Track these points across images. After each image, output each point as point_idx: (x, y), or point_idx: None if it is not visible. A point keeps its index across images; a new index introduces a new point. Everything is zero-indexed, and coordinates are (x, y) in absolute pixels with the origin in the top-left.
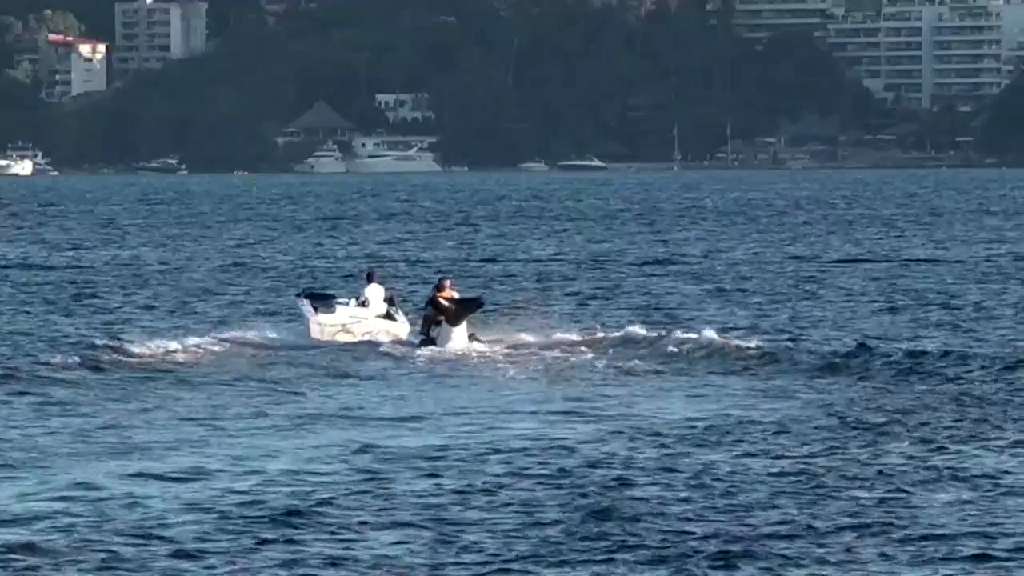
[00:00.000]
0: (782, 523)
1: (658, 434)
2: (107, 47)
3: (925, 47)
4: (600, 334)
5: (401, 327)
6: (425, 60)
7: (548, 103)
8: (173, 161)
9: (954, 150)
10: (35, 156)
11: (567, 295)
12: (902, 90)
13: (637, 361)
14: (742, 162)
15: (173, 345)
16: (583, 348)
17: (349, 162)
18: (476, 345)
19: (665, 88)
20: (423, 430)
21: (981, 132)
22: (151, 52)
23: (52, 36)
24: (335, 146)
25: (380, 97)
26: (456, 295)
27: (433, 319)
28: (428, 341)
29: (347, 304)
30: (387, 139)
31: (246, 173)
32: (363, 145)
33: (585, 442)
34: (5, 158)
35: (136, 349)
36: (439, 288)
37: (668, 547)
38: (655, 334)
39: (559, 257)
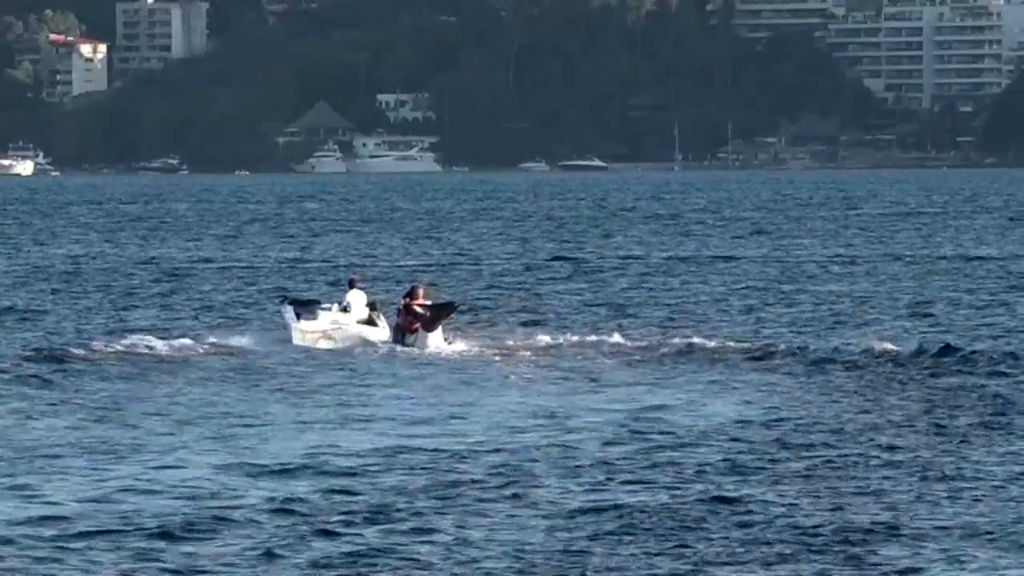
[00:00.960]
0: (780, 527)
1: (643, 433)
2: (108, 47)
3: (926, 47)
4: (580, 335)
5: (382, 332)
6: (426, 60)
7: (548, 103)
8: (174, 161)
9: (955, 150)
10: (36, 156)
11: (559, 294)
12: (903, 90)
13: (616, 360)
14: (743, 162)
15: (158, 347)
16: (563, 350)
17: (350, 162)
18: (453, 349)
19: (665, 88)
20: (407, 433)
21: (982, 132)
22: (152, 52)
23: (53, 36)
24: (335, 146)
25: (381, 97)
26: (429, 301)
27: (408, 327)
28: (405, 347)
29: (329, 310)
30: (388, 139)
31: (248, 173)
32: (364, 145)
33: (565, 443)
34: (8, 158)
35: (113, 349)
36: (412, 295)
37: (660, 549)
38: (637, 335)
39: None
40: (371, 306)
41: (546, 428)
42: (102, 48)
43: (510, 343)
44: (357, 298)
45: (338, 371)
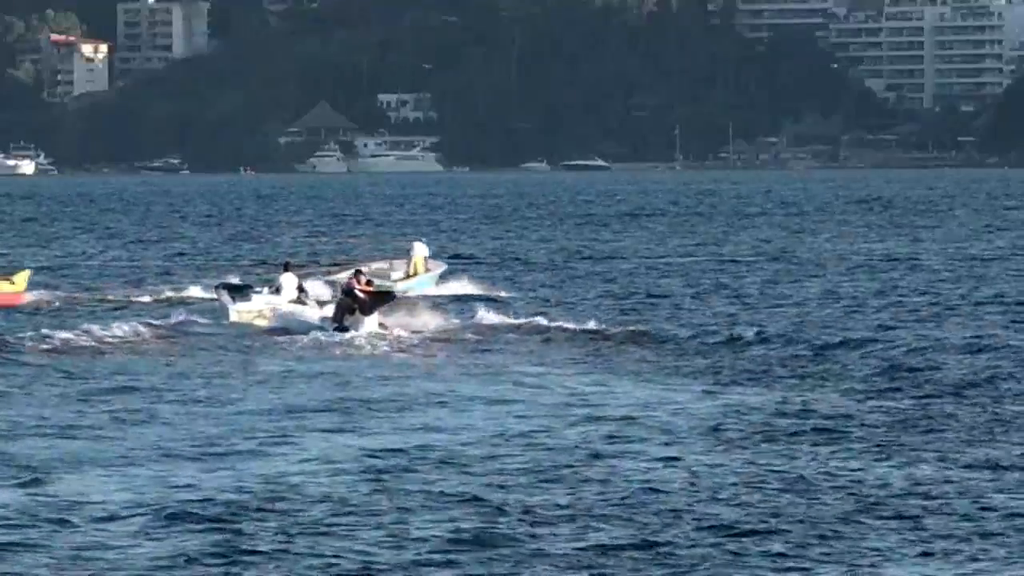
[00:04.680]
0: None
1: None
2: (109, 47)
3: (927, 47)
4: (507, 319)
5: (312, 312)
6: (427, 60)
7: (550, 103)
8: (175, 161)
9: (956, 150)
10: (37, 156)
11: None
12: (904, 90)
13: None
14: (744, 162)
15: (97, 332)
16: (491, 337)
17: (351, 162)
18: (388, 332)
19: (667, 88)
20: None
21: (983, 132)
22: (153, 52)
23: (54, 36)
24: (336, 146)
25: (382, 97)
26: (370, 287)
27: (348, 308)
28: (342, 328)
29: (261, 292)
30: (389, 139)
31: (253, 173)
32: (365, 145)
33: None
34: (13, 158)
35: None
36: (355, 278)
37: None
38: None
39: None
40: (300, 288)
41: (467, 415)
42: (103, 48)
43: (442, 328)
44: (289, 281)
45: (280, 355)
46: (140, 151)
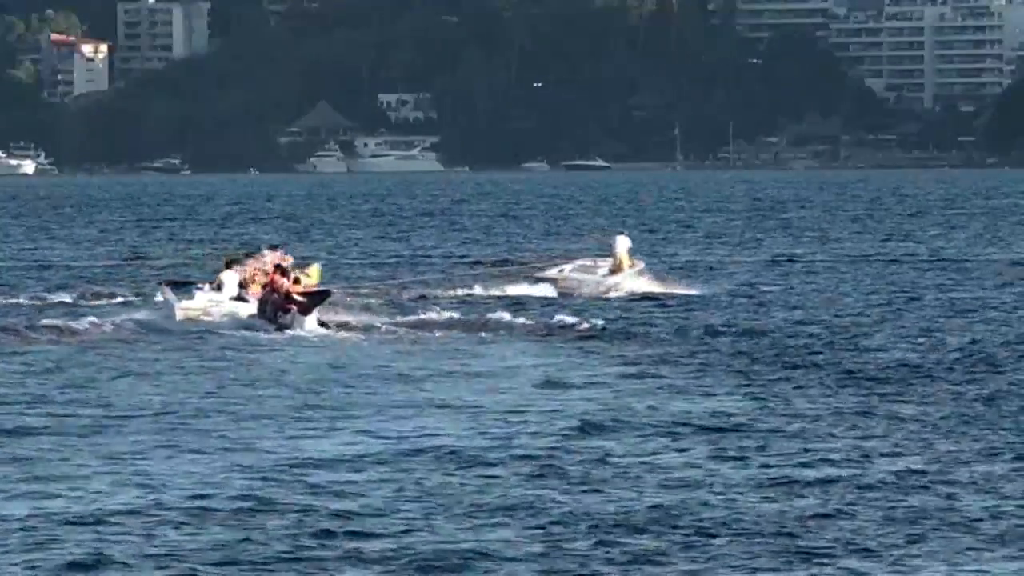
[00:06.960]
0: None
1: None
2: (109, 47)
3: (927, 47)
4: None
5: (253, 308)
6: (428, 60)
7: (550, 103)
8: (175, 161)
9: (956, 150)
10: (37, 156)
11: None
12: (904, 90)
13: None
14: (744, 162)
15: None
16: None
17: (351, 162)
18: (325, 331)
19: (667, 88)
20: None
21: (983, 132)
22: (153, 52)
23: (54, 36)
24: (336, 146)
25: (382, 97)
26: (299, 286)
27: (279, 306)
28: (281, 327)
29: (203, 289)
30: (389, 139)
31: (258, 173)
32: (365, 145)
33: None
34: (15, 158)
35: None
36: (283, 275)
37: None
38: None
39: None
40: (242, 285)
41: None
42: (103, 48)
43: (384, 323)
44: (230, 278)
45: (231, 356)
46: (140, 151)
